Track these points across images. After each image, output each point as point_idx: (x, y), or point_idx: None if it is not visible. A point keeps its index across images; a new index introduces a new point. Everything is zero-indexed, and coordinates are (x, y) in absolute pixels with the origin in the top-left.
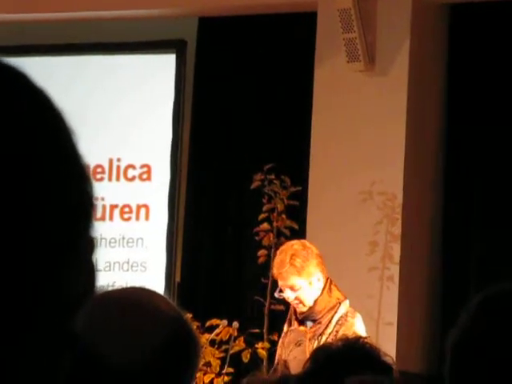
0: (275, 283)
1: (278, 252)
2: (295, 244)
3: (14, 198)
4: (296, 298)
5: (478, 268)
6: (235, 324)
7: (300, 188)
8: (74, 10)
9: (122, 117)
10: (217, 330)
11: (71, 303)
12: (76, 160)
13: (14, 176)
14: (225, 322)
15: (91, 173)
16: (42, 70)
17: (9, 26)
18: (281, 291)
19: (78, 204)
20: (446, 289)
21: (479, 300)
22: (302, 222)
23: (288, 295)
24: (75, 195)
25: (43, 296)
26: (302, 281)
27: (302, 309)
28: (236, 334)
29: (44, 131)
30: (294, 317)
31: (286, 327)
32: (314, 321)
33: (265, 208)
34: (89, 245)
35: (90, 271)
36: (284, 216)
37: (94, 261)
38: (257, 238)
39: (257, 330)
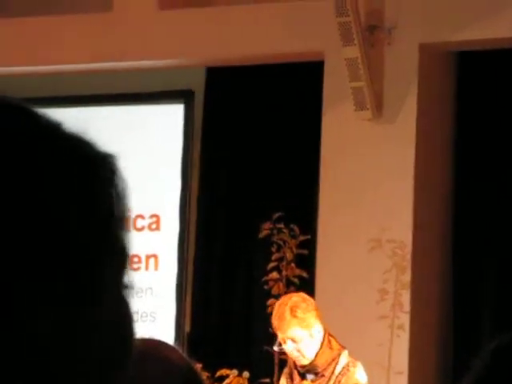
0: None
1: (276, 304)
2: (294, 296)
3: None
4: (297, 351)
5: (490, 315)
6: (245, 374)
7: (309, 237)
8: (84, 62)
9: (131, 167)
10: (227, 380)
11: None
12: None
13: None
14: (235, 371)
15: None
16: None
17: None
18: (280, 344)
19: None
20: (457, 337)
21: (493, 348)
22: (312, 270)
23: (289, 347)
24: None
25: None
26: (303, 332)
27: (302, 362)
28: None
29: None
30: (295, 371)
31: (285, 382)
32: (315, 374)
33: (274, 257)
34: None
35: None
36: (293, 265)
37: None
38: (266, 287)
39: (267, 380)
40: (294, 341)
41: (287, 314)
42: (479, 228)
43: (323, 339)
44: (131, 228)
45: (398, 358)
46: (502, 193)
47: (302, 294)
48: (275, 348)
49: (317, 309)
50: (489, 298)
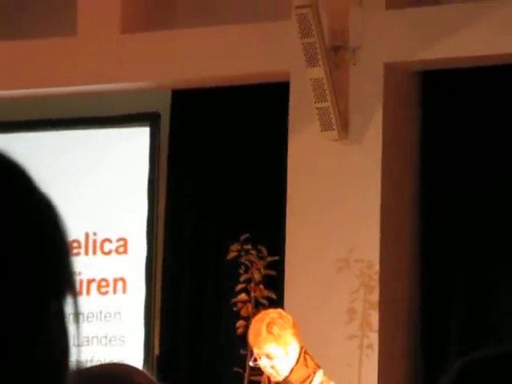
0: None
1: (253, 320)
2: (271, 312)
3: None
4: (271, 367)
5: (459, 334)
6: None
7: (277, 258)
8: (50, 86)
9: (97, 190)
10: None
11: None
12: (53, 236)
13: None
14: None
15: None
16: (16, 146)
17: None
18: (255, 360)
19: (52, 280)
20: (426, 356)
21: (458, 367)
22: (280, 291)
23: (264, 363)
24: (50, 271)
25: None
26: (278, 349)
27: (276, 378)
28: None
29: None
30: None
31: None
32: None
33: (242, 278)
34: (59, 323)
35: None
36: (261, 286)
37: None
38: (235, 308)
39: None
40: (268, 357)
41: (263, 331)
42: (448, 246)
43: (299, 356)
44: (99, 252)
45: (368, 378)
46: (471, 211)
47: (280, 311)
48: (250, 363)
49: (294, 326)
50: (458, 317)
